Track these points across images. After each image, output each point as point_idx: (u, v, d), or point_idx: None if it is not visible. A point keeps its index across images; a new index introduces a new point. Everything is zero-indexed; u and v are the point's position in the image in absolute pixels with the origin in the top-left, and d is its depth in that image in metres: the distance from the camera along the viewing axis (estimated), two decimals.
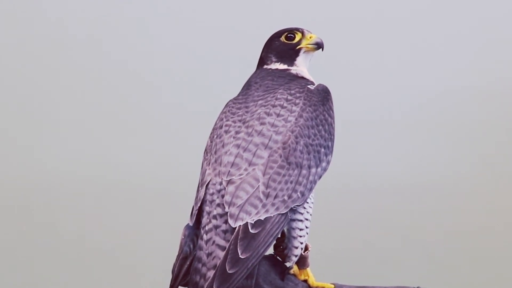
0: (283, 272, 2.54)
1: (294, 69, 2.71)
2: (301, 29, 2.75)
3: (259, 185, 2.38)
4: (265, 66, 2.72)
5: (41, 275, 3.89)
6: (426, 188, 3.90)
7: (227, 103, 2.64)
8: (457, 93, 3.92)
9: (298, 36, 2.74)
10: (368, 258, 3.89)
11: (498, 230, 3.91)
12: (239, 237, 2.32)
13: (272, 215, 2.36)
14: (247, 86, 2.67)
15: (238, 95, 2.67)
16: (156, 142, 3.95)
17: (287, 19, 3.85)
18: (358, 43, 3.90)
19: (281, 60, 2.72)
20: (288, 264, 2.52)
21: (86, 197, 3.91)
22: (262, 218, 2.35)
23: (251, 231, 2.33)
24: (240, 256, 2.30)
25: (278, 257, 2.55)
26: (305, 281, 2.58)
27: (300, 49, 2.74)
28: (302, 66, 2.74)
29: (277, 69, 2.71)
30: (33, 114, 3.87)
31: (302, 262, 2.56)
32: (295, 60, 2.73)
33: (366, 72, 3.91)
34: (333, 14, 3.91)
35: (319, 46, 2.74)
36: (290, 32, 2.74)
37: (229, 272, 2.29)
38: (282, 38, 2.74)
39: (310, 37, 2.74)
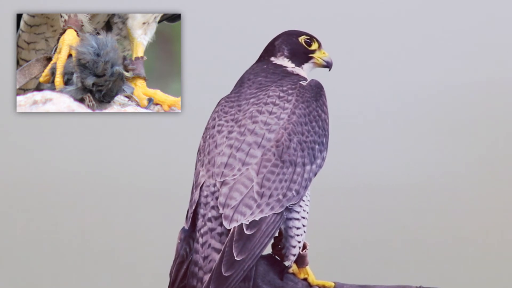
0: (282, 271, 2.51)
1: (291, 67, 2.68)
2: (319, 41, 2.75)
3: (253, 185, 2.34)
4: (271, 58, 2.69)
5: (40, 275, 3.89)
6: (426, 188, 3.88)
7: (219, 101, 2.61)
8: (456, 91, 3.89)
9: (314, 45, 2.73)
10: (367, 257, 3.86)
11: (499, 229, 3.87)
12: (234, 239, 2.28)
13: (267, 215, 2.32)
14: (240, 83, 2.64)
15: (231, 92, 2.63)
16: (154, 142, 3.93)
17: (282, 17, 3.86)
18: (353, 40, 3.88)
19: (291, 58, 2.69)
20: (286, 264, 2.49)
21: (84, 197, 3.90)
22: (257, 218, 2.31)
23: (246, 232, 2.29)
24: (235, 258, 2.26)
25: (276, 257, 2.52)
26: (305, 279, 2.55)
27: (311, 57, 2.72)
28: (304, 72, 2.71)
29: (275, 64, 2.67)
30: (33, 114, 3.86)
31: (301, 260, 2.52)
32: (302, 64, 2.71)
33: (362, 69, 3.88)
34: (327, 11, 3.89)
35: (328, 65, 2.74)
36: (309, 38, 2.73)
37: (224, 275, 2.25)
38: (301, 39, 2.72)
39: (323, 53, 2.74)
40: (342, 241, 3.87)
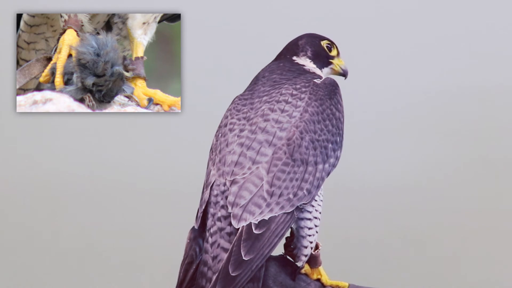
0: (294, 272, 2.48)
1: (310, 67, 2.67)
2: (338, 48, 2.75)
3: (263, 184, 2.31)
4: (293, 57, 2.68)
5: (40, 275, 3.87)
6: (427, 188, 3.87)
7: (234, 99, 2.58)
8: (458, 92, 3.89)
9: (334, 52, 2.74)
10: (367, 257, 3.86)
11: (499, 230, 3.86)
12: (242, 238, 2.25)
13: (277, 215, 2.29)
14: (255, 80, 2.61)
15: (245, 90, 2.60)
16: (154, 142, 3.92)
17: (282, 17, 3.83)
18: (353, 40, 3.86)
19: (314, 59, 2.69)
20: (298, 264, 2.46)
21: (84, 197, 3.89)
22: (266, 218, 2.28)
23: (255, 231, 2.26)
24: (243, 258, 2.23)
25: (288, 257, 2.49)
26: (318, 280, 2.52)
27: (331, 63, 2.72)
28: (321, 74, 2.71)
29: (293, 62, 2.66)
30: (33, 114, 3.85)
31: (313, 261, 2.50)
32: (322, 68, 2.71)
33: (362, 69, 3.87)
34: (328, 11, 3.89)
35: (344, 74, 2.75)
36: (330, 43, 2.73)
37: (232, 274, 2.22)
38: (323, 43, 2.72)
39: (341, 61, 2.75)
40: (342, 241, 3.86)
